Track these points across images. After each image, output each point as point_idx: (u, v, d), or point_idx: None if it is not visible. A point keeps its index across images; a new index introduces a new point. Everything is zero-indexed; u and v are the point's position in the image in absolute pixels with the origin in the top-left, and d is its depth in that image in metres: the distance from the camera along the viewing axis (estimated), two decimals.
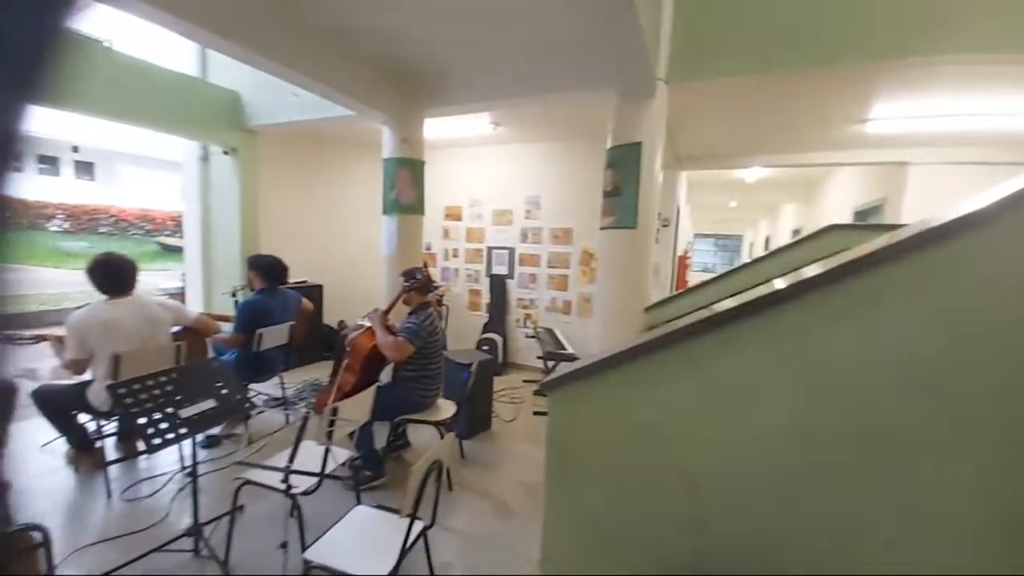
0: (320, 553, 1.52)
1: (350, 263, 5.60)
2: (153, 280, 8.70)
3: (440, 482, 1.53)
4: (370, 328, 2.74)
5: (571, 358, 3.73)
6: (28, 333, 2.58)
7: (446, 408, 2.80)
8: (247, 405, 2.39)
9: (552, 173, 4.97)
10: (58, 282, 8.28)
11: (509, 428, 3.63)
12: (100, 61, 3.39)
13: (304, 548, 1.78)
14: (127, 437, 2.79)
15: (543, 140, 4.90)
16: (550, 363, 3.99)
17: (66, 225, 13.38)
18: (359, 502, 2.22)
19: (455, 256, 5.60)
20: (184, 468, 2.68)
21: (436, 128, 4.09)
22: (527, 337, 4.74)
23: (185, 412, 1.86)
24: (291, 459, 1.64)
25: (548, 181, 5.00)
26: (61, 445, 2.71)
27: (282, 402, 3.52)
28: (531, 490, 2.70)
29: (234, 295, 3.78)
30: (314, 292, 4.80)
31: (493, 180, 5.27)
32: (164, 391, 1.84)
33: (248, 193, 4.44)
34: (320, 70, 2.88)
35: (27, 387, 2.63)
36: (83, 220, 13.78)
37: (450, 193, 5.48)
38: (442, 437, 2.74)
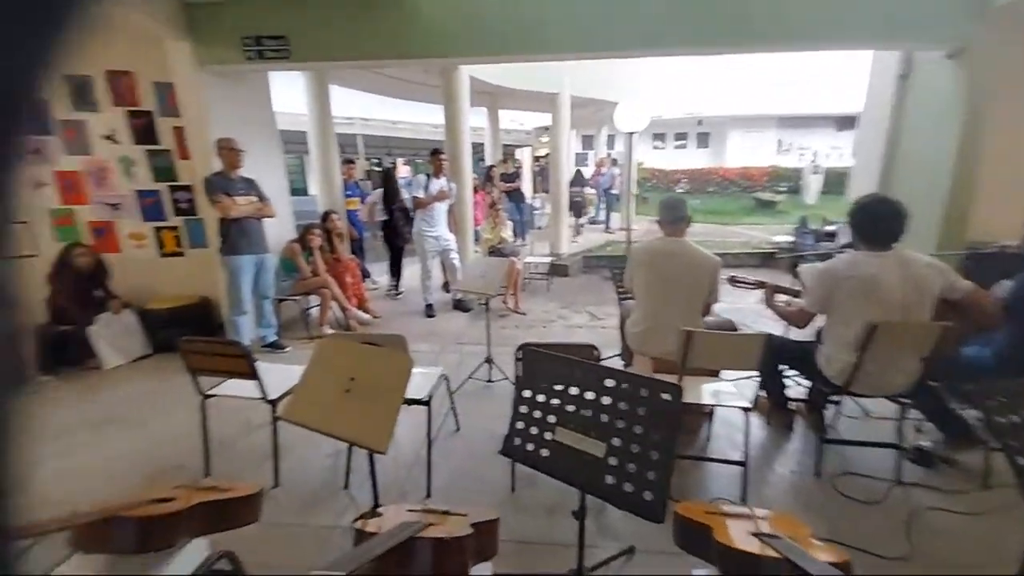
0: None
1: None
2: (759, 234, 9.00)
3: None
4: None
5: None
6: (751, 278, 2.67)
7: None
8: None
9: None
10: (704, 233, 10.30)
11: None
12: None
13: None
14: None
15: None
16: None
17: (687, 187, 16.91)
18: None
19: None
20: (899, 482, 2.05)
21: None
22: None
23: None
24: None
25: None
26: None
27: None
28: None
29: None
30: None
31: None
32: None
33: (973, 114, 3.05)
34: None
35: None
36: (698, 182, 16.95)
37: None
38: None
